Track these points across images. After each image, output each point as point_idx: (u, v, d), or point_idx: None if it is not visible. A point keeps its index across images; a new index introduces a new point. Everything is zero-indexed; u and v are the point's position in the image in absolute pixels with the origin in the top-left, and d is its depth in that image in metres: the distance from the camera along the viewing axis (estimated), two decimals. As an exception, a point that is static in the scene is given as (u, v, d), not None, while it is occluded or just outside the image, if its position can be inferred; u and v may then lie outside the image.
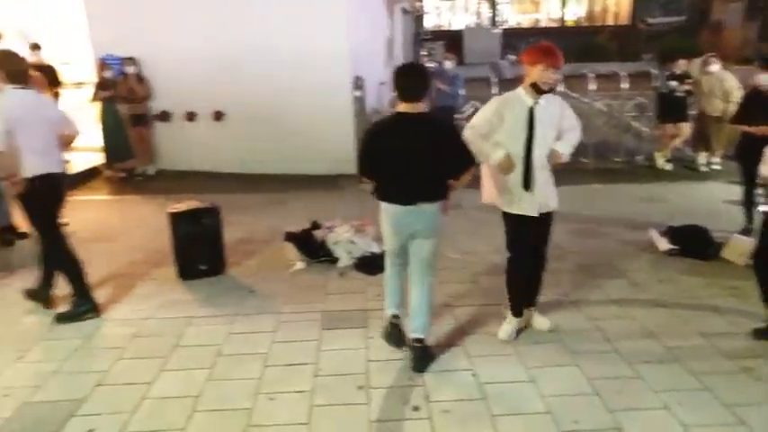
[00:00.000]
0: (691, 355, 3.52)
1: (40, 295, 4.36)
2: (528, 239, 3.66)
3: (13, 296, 4.59)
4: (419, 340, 3.47)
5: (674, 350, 3.57)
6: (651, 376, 3.30)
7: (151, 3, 8.34)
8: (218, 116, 8.72)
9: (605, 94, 9.64)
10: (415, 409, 3.07)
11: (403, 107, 3.30)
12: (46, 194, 4.02)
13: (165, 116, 8.85)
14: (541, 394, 3.17)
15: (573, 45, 27.60)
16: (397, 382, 3.31)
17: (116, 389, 3.33)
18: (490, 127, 3.49)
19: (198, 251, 4.84)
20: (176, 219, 4.82)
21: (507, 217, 3.65)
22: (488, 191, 3.75)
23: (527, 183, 3.52)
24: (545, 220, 3.65)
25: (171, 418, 3.04)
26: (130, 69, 8.41)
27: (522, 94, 3.48)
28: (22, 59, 4.12)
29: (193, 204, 4.99)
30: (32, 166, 3.90)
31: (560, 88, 8.80)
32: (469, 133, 3.49)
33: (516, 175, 3.52)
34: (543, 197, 3.59)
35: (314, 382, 3.34)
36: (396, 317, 3.62)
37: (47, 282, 4.33)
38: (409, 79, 3.30)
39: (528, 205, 3.56)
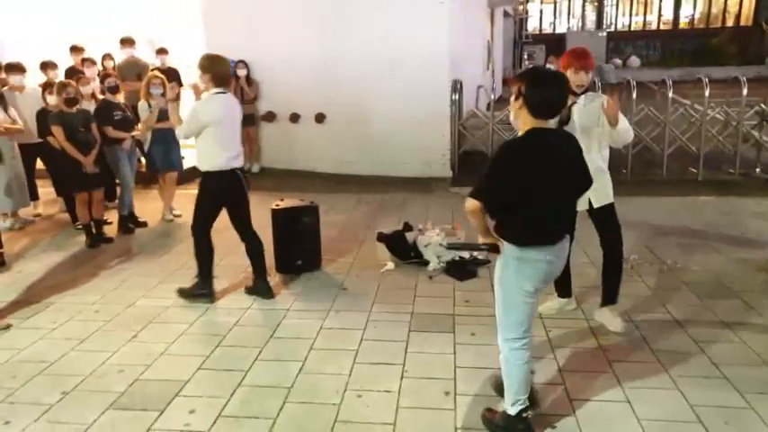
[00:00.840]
0: (811, 388, 3.22)
1: (259, 287, 4.61)
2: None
3: (130, 280, 4.99)
4: None
5: (792, 383, 3.29)
6: (766, 409, 3.05)
7: (262, 10, 8.77)
8: (320, 118, 9.00)
9: (722, 100, 9.00)
10: (503, 419, 3.02)
11: (534, 123, 2.60)
12: (227, 189, 4.40)
13: (270, 117, 9.26)
14: (638, 417, 3.02)
15: (687, 48, 26.09)
16: (483, 391, 3.27)
17: (215, 374, 3.53)
18: None
19: (296, 247, 5.03)
20: (278, 215, 5.04)
21: None
22: None
23: None
24: (602, 213, 3.75)
25: (264, 407, 3.18)
26: (242, 72, 8.87)
27: None
28: (227, 64, 4.45)
29: (294, 202, 5.20)
30: (223, 161, 4.31)
31: (670, 94, 8.35)
32: None
33: None
34: (591, 191, 3.47)
35: (401, 384, 3.37)
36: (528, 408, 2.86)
37: (260, 272, 4.62)
38: (554, 92, 2.57)
39: None
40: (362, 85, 8.53)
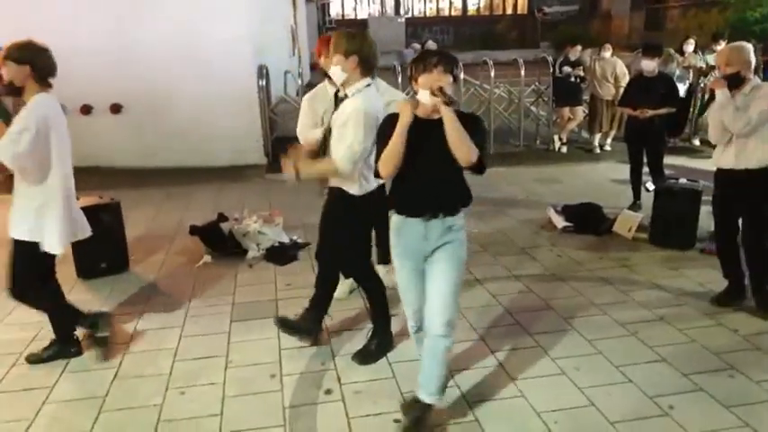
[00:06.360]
0: (585, 324, 3.80)
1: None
2: None
3: None
4: None
5: (569, 320, 3.84)
6: (551, 345, 3.54)
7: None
8: (116, 109, 8.32)
9: (505, 80, 10.03)
10: (328, 392, 3.14)
11: None
12: None
13: (57, 109, 8.33)
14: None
15: (475, 33, 28.53)
16: (309, 368, 3.36)
17: (13, 396, 3.17)
18: None
19: (98, 249, 4.61)
20: (73, 216, 4.58)
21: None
22: None
23: None
24: None
25: (75, 422, 2.94)
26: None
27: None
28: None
29: (91, 200, 4.78)
30: None
31: (462, 75, 9.11)
32: None
33: None
34: None
35: (225, 374, 3.32)
36: None
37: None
38: None
39: None
40: (163, 74, 8.02)
